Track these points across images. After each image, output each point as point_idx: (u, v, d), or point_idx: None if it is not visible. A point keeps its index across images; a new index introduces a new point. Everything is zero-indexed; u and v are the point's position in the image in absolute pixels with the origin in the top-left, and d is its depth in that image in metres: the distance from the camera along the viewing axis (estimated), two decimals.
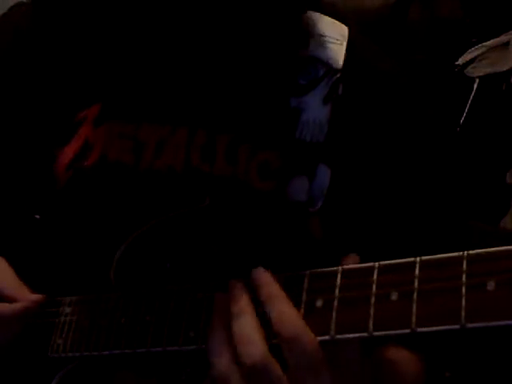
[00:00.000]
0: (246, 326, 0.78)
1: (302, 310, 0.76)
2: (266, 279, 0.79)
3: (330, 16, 1.03)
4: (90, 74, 1.01)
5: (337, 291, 0.74)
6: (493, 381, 1.07)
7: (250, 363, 0.76)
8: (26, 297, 0.94)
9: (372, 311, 0.71)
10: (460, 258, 0.67)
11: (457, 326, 0.65)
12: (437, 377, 0.93)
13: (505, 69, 1.52)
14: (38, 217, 1.02)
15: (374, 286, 0.71)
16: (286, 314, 0.76)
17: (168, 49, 0.99)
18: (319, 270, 0.77)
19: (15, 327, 0.95)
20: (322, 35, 1.00)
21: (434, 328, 0.66)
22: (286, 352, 0.75)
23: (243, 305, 0.79)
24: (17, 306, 0.93)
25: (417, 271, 0.69)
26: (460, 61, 1.56)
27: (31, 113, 1.03)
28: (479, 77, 1.53)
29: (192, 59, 0.99)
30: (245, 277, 0.82)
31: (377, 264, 0.73)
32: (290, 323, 0.75)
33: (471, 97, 1.52)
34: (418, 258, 0.70)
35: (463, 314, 0.65)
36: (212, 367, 0.79)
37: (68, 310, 0.95)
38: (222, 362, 0.78)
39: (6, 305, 0.94)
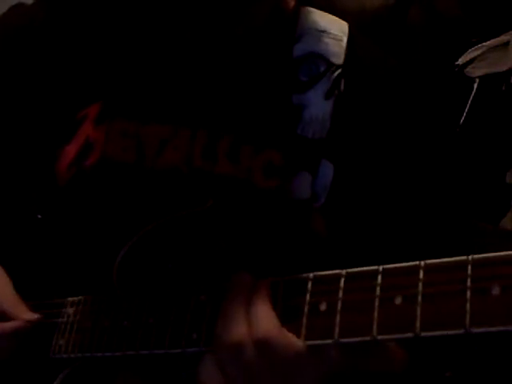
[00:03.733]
0: (235, 309, 0.78)
1: (306, 313, 0.76)
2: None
3: (327, 12, 1.03)
4: (91, 72, 1.01)
5: (341, 294, 0.74)
6: (493, 381, 1.08)
7: (230, 344, 0.77)
8: (21, 315, 0.94)
9: (376, 315, 0.71)
10: (465, 262, 0.67)
11: (461, 331, 0.65)
12: (437, 377, 0.93)
13: (505, 69, 1.52)
14: (39, 216, 1.01)
15: (378, 290, 0.71)
16: (262, 317, 0.77)
17: (169, 48, 0.99)
18: (323, 272, 0.77)
19: (10, 342, 0.94)
20: (322, 31, 1.00)
21: (438, 333, 0.66)
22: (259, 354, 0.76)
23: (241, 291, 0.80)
24: (8, 325, 0.93)
25: (421, 275, 0.69)
26: (460, 61, 1.56)
27: (32, 112, 1.03)
28: (479, 77, 1.53)
29: (193, 59, 0.99)
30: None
31: (381, 267, 0.72)
32: (263, 326, 0.76)
33: (471, 97, 1.52)
34: (422, 262, 0.70)
35: (468, 318, 0.65)
36: (226, 334, 0.78)
37: (70, 311, 0.95)
38: (239, 330, 0.78)
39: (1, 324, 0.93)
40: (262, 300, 0.78)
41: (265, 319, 0.77)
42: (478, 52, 1.55)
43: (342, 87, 0.97)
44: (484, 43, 1.55)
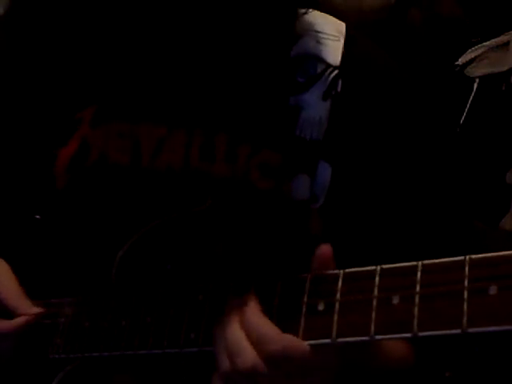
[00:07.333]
0: (234, 333, 0.78)
1: (304, 313, 0.76)
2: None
3: (326, 13, 1.03)
4: (86, 74, 1.01)
5: (338, 295, 0.74)
6: (493, 381, 1.08)
7: (245, 370, 0.77)
8: (26, 310, 0.94)
9: (373, 315, 0.71)
10: (462, 263, 0.67)
11: (458, 331, 0.65)
12: (437, 377, 0.93)
13: (505, 69, 1.52)
14: (38, 217, 1.02)
15: (376, 290, 0.71)
16: (267, 336, 0.76)
17: (164, 49, 0.99)
18: (321, 273, 0.77)
19: (14, 340, 0.95)
20: (319, 32, 1.00)
21: (435, 332, 0.66)
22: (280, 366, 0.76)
23: (231, 313, 0.80)
24: (16, 321, 0.93)
25: (418, 275, 0.69)
26: (460, 61, 1.56)
27: (30, 114, 1.03)
28: (479, 77, 1.53)
29: (188, 59, 0.98)
30: (244, 277, 0.82)
31: (378, 268, 0.72)
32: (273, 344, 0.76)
33: (471, 97, 1.52)
34: (419, 262, 0.70)
35: (465, 318, 0.64)
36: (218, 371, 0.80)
37: (69, 311, 0.95)
38: (224, 367, 0.79)
39: (5, 322, 0.94)
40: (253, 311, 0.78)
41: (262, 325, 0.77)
42: (478, 52, 1.55)
43: (339, 88, 0.97)
44: (484, 43, 1.55)
